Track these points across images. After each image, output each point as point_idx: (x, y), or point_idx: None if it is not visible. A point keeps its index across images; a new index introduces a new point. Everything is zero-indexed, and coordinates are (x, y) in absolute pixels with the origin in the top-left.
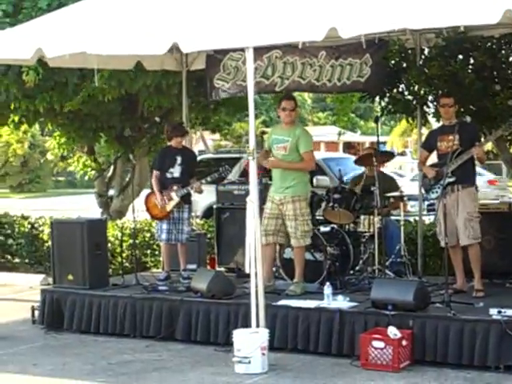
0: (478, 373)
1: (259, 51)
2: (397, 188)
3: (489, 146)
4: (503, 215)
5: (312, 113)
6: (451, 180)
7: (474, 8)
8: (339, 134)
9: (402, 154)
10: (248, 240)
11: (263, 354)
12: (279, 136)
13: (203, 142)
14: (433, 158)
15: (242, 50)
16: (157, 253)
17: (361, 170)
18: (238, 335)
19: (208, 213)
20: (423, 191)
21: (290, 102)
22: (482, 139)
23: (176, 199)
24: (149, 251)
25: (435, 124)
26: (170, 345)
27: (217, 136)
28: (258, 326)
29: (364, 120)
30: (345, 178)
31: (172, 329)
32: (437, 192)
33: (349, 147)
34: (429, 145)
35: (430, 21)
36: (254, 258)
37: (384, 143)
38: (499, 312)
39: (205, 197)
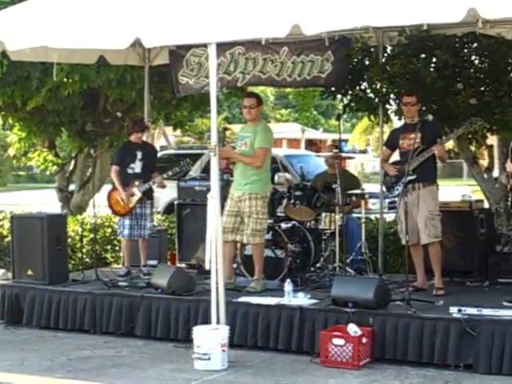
0: (437, 371)
1: (222, 47)
2: (358, 186)
3: (450, 144)
4: (464, 214)
5: (274, 110)
6: (412, 178)
7: (438, 6)
8: (302, 131)
9: (364, 151)
10: (209, 237)
11: (223, 351)
12: (243, 133)
13: (165, 138)
14: (395, 156)
15: (205, 45)
16: (117, 248)
17: (323, 167)
18: (198, 332)
19: (169, 209)
20: (384, 189)
21: (249, 100)
22: (444, 137)
23: (138, 194)
24: (109, 247)
25: (397, 122)
26: (129, 341)
27: (179, 132)
28: (218, 322)
29: (326, 117)
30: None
31: (132, 325)
32: (398, 190)
33: (311, 144)
34: (391, 143)
35: (393, 19)
36: (215, 254)
37: (346, 141)
38: (459, 310)
39: (166, 193)
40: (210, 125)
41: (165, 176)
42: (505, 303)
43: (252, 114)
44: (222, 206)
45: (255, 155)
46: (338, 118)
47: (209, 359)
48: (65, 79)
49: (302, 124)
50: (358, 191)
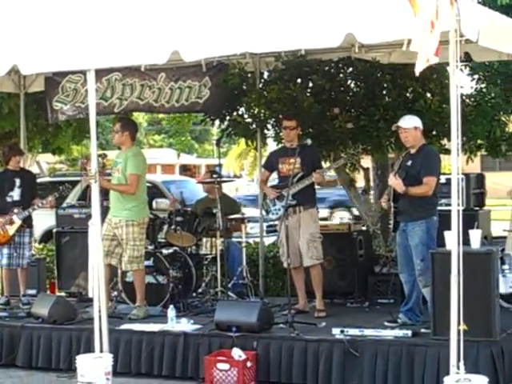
0: None
1: (99, 73)
2: (239, 210)
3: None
4: (343, 236)
5: (148, 135)
6: (293, 203)
7: (315, 32)
8: (178, 156)
9: (239, 176)
10: (91, 264)
11: (107, 379)
12: (117, 159)
13: (38, 166)
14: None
15: (82, 72)
16: None
17: (202, 192)
18: (82, 360)
19: (46, 237)
20: (263, 212)
21: (117, 124)
22: (324, 165)
23: (18, 222)
24: None
25: (274, 147)
26: (11, 371)
27: (51, 159)
28: (101, 350)
29: (199, 143)
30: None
31: (13, 355)
32: (277, 213)
33: (185, 170)
34: (270, 165)
35: (270, 45)
36: (97, 282)
37: (220, 166)
38: (342, 331)
39: (42, 221)
40: (84, 151)
41: (44, 202)
42: (386, 323)
43: (119, 139)
44: None
45: (128, 182)
46: (218, 143)
47: None
48: None
49: (175, 149)
50: (238, 215)
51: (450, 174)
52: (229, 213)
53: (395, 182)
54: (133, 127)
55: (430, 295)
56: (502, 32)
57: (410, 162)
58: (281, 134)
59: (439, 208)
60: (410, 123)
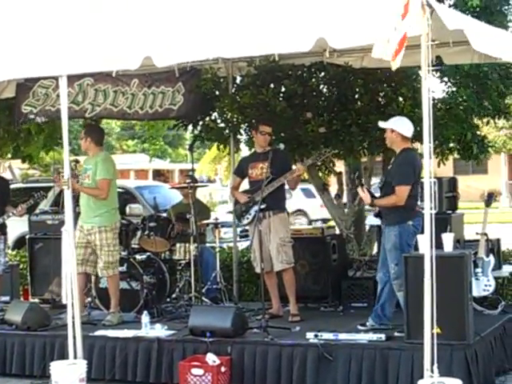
0: None
1: (71, 79)
2: (209, 216)
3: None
4: (316, 240)
5: (120, 140)
6: (262, 207)
7: (287, 36)
8: (150, 160)
9: (212, 181)
10: (64, 270)
11: None
12: (86, 165)
13: (10, 172)
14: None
15: (54, 77)
16: None
17: (176, 198)
18: (56, 367)
19: (19, 243)
20: (235, 217)
21: (82, 132)
22: (293, 167)
23: None
24: None
25: (247, 152)
26: None
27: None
28: (75, 357)
29: (173, 147)
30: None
31: None
32: (248, 218)
33: (158, 175)
34: (240, 171)
35: (243, 50)
36: (71, 288)
37: (194, 170)
38: (316, 336)
39: (15, 227)
40: (56, 157)
41: (28, 204)
42: (359, 327)
43: (85, 146)
44: None
45: (99, 187)
46: (191, 148)
47: None
48: None
49: (148, 154)
50: (211, 220)
51: (422, 177)
52: (199, 218)
53: (362, 195)
54: (97, 133)
55: (403, 299)
56: (474, 34)
57: (389, 167)
58: (253, 138)
59: None
60: (387, 124)
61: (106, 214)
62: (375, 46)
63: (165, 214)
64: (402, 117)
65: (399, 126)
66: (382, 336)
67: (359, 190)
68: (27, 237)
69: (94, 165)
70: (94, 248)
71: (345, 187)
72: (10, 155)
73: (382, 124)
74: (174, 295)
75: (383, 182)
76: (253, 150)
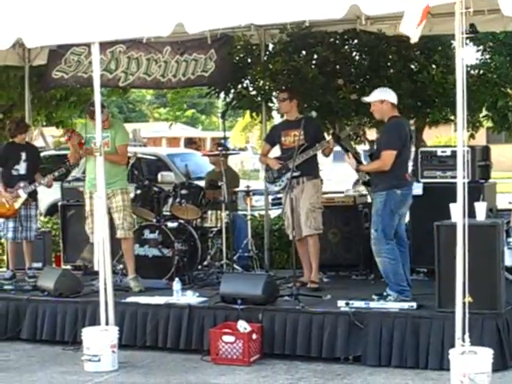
0: (327, 365)
1: (103, 45)
2: (237, 184)
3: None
4: (348, 208)
5: (153, 108)
6: (296, 174)
7: (320, 3)
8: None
9: (244, 149)
10: (97, 237)
11: (113, 352)
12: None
13: (43, 139)
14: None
15: (86, 44)
16: (0, 251)
17: (208, 165)
18: (88, 333)
19: (51, 210)
20: (267, 184)
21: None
22: (326, 137)
23: (24, 196)
24: None
25: (279, 119)
26: (16, 345)
27: (56, 132)
28: (107, 323)
29: (205, 115)
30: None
31: (18, 328)
32: (280, 185)
33: (190, 143)
34: (271, 139)
35: (275, 16)
36: (103, 255)
37: (227, 139)
38: (347, 304)
39: (48, 194)
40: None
41: (55, 174)
42: (374, 297)
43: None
44: None
45: (120, 153)
46: (223, 116)
47: (99, 361)
48: None
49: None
50: (243, 188)
51: (455, 146)
52: (233, 186)
53: (348, 161)
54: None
55: (381, 266)
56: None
57: (378, 135)
58: None
59: (445, 180)
60: (374, 96)
61: (124, 177)
62: (403, 22)
63: (196, 182)
64: (383, 87)
65: (388, 95)
66: (414, 304)
67: (346, 157)
68: (59, 204)
69: (112, 132)
70: (115, 210)
71: None
72: (44, 122)
73: (368, 98)
74: (205, 262)
75: (374, 150)
76: (284, 117)
